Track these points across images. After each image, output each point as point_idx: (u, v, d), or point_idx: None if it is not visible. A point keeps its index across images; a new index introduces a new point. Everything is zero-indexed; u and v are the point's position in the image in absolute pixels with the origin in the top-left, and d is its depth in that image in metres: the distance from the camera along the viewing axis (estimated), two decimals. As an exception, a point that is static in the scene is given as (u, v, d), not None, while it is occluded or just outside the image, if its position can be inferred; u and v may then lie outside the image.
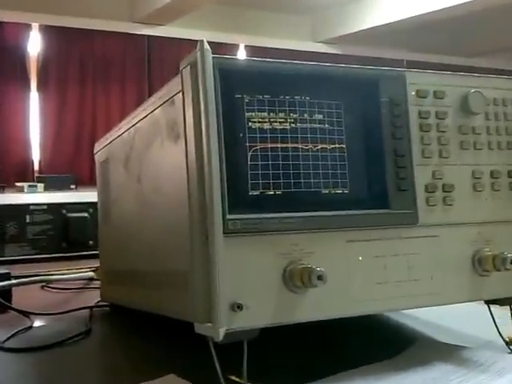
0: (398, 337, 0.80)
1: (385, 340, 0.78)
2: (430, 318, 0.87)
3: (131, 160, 0.79)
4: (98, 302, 0.99)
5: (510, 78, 0.74)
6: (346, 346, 0.75)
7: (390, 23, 6.87)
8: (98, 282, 1.05)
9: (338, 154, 0.65)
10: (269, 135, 0.62)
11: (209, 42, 0.58)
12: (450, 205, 0.69)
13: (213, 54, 0.58)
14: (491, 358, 0.67)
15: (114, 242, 0.90)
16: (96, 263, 1.11)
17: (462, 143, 0.70)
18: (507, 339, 0.41)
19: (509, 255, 0.67)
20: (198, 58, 0.57)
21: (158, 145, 0.69)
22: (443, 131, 0.69)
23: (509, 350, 0.66)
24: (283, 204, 0.62)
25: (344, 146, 0.66)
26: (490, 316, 0.71)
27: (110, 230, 0.92)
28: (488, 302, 0.72)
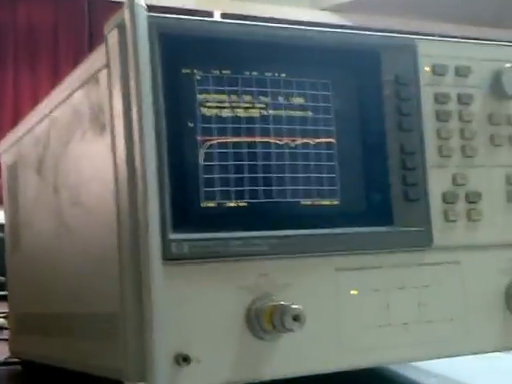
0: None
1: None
2: (451, 374, 0.85)
3: (45, 163, 0.78)
4: (7, 358, 0.99)
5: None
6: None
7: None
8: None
9: (324, 151, 0.63)
10: (229, 125, 0.60)
11: (176, 9, 0.56)
12: (477, 220, 0.67)
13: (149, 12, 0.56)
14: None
15: (27, 277, 0.89)
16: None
17: (493, 137, 0.69)
18: None
19: (555, 289, 0.64)
20: (127, 17, 0.55)
21: (79, 141, 0.67)
22: (468, 121, 0.68)
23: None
24: (249, 220, 0.60)
25: (333, 140, 0.64)
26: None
27: (20, 260, 0.91)
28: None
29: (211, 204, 0.59)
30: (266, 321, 0.57)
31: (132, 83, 0.55)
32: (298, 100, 0.63)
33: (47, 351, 0.81)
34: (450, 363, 0.77)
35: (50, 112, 0.75)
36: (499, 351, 0.70)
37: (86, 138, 0.65)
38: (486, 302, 0.67)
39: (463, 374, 0.84)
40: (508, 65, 0.69)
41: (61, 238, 0.73)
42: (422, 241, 0.64)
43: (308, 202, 0.62)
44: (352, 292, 0.62)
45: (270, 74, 0.62)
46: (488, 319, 0.67)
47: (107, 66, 0.59)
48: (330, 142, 0.63)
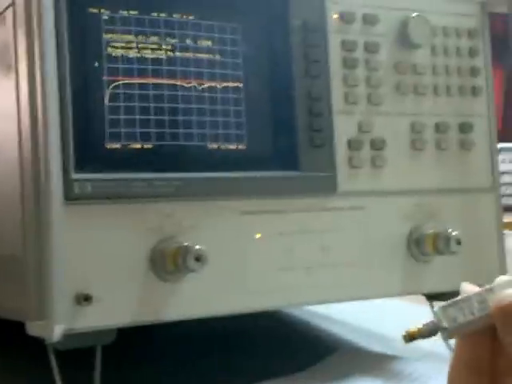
0: (316, 344, 0.81)
1: (300, 348, 0.78)
2: (358, 320, 0.88)
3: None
4: None
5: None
6: (252, 355, 0.75)
7: None
8: None
9: (231, 95, 0.64)
10: (136, 66, 0.60)
11: None
12: (381, 167, 0.68)
13: None
14: (428, 372, 0.68)
15: None
16: None
17: (398, 86, 0.70)
18: (405, 333, 0.41)
19: (454, 233, 0.67)
20: None
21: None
22: (374, 69, 0.69)
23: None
24: (154, 161, 0.60)
25: (241, 84, 0.64)
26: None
27: None
28: (429, 298, 0.72)
29: (116, 145, 0.59)
30: (169, 261, 0.57)
31: (35, 22, 0.54)
32: (206, 43, 0.63)
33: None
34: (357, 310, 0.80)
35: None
36: (401, 295, 0.72)
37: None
38: (389, 247, 0.69)
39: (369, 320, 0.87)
40: (414, 14, 0.70)
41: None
42: (327, 186, 0.66)
43: (215, 145, 0.63)
44: (256, 235, 0.63)
45: (178, 16, 0.62)
46: (390, 264, 0.69)
47: (12, 3, 0.58)
48: (238, 87, 0.64)
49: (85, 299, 0.55)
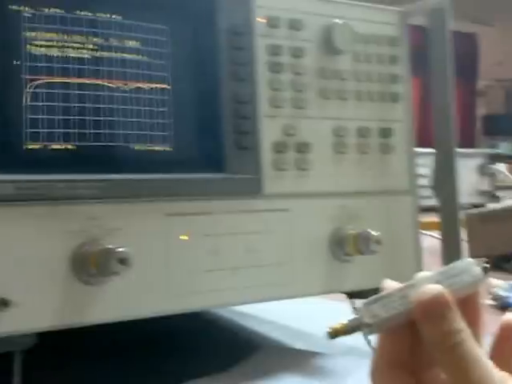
0: (238, 343, 0.81)
1: (226, 348, 0.78)
2: (283, 319, 0.89)
3: None
4: None
5: (386, 7, 0.75)
6: (177, 356, 0.75)
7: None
8: None
9: (158, 97, 0.63)
10: (58, 65, 0.59)
11: None
12: (305, 169, 0.69)
13: None
14: (349, 367, 0.69)
15: None
16: None
17: (322, 91, 0.71)
18: (329, 329, 0.42)
19: (373, 233, 0.69)
20: None
21: None
22: (299, 73, 0.69)
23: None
24: (77, 163, 0.59)
25: (167, 86, 0.64)
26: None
27: None
28: (350, 295, 0.74)
29: (36, 146, 0.57)
30: (92, 264, 0.56)
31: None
32: (133, 43, 0.62)
33: None
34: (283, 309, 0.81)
35: None
36: (324, 294, 0.73)
37: None
38: (313, 248, 0.70)
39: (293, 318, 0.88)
40: (338, 21, 0.71)
41: None
42: (253, 188, 0.66)
43: (140, 147, 0.62)
44: (182, 237, 0.62)
45: (104, 15, 0.61)
46: (314, 264, 0.70)
47: None
48: (164, 88, 0.64)
49: (3, 303, 0.53)
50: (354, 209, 0.72)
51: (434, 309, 0.40)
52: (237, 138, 0.65)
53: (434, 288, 0.40)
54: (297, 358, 0.72)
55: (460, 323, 0.40)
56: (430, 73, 0.78)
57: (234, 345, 0.80)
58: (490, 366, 0.40)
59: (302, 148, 0.69)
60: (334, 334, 0.42)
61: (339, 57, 0.72)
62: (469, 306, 0.42)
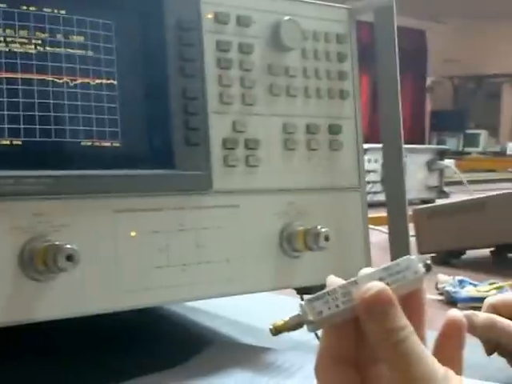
0: (189, 339, 0.81)
1: (176, 344, 0.78)
2: (234, 315, 0.89)
3: None
4: None
5: (334, 5, 0.76)
6: (126, 352, 0.74)
7: None
8: None
9: (105, 92, 0.63)
10: (4, 61, 0.58)
11: None
12: (255, 166, 0.70)
13: None
14: (298, 361, 0.69)
15: None
16: None
17: (271, 87, 0.71)
18: (271, 326, 0.43)
19: (323, 230, 0.70)
20: None
21: None
22: (248, 70, 0.70)
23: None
24: (24, 159, 0.58)
25: (114, 82, 0.63)
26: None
27: None
28: (300, 291, 0.75)
29: (-18, 141, 0.57)
30: (39, 261, 0.56)
31: None
32: (78, 39, 0.62)
33: None
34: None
35: None
36: (274, 290, 0.74)
37: None
38: (262, 244, 0.70)
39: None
40: (286, 18, 0.71)
41: None
42: (202, 184, 0.66)
43: (88, 142, 0.62)
44: (131, 233, 0.62)
45: (49, 10, 0.60)
46: (263, 260, 0.70)
47: None
48: (111, 84, 0.63)
49: (-51, 302, 0.53)
50: (303, 205, 0.73)
51: (377, 306, 0.40)
52: (186, 134, 0.65)
53: (377, 285, 0.41)
54: (247, 354, 0.73)
55: (402, 320, 0.40)
56: (377, 70, 0.79)
57: (186, 340, 0.80)
58: (433, 362, 0.40)
59: (252, 144, 0.69)
60: (277, 330, 0.42)
61: (288, 53, 0.72)
62: (412, 302, 0.42)
